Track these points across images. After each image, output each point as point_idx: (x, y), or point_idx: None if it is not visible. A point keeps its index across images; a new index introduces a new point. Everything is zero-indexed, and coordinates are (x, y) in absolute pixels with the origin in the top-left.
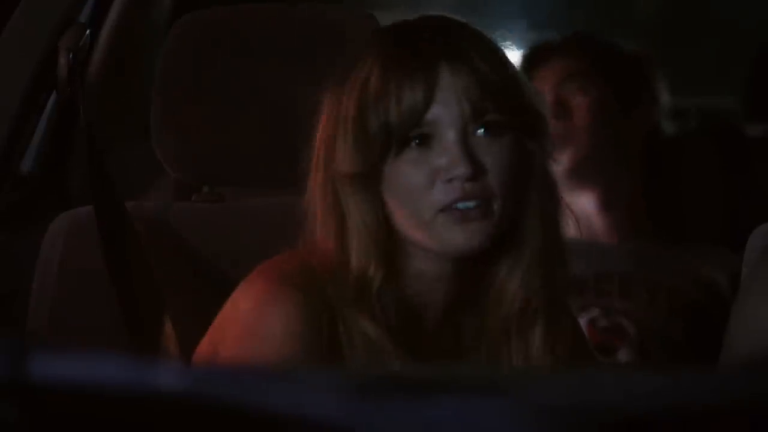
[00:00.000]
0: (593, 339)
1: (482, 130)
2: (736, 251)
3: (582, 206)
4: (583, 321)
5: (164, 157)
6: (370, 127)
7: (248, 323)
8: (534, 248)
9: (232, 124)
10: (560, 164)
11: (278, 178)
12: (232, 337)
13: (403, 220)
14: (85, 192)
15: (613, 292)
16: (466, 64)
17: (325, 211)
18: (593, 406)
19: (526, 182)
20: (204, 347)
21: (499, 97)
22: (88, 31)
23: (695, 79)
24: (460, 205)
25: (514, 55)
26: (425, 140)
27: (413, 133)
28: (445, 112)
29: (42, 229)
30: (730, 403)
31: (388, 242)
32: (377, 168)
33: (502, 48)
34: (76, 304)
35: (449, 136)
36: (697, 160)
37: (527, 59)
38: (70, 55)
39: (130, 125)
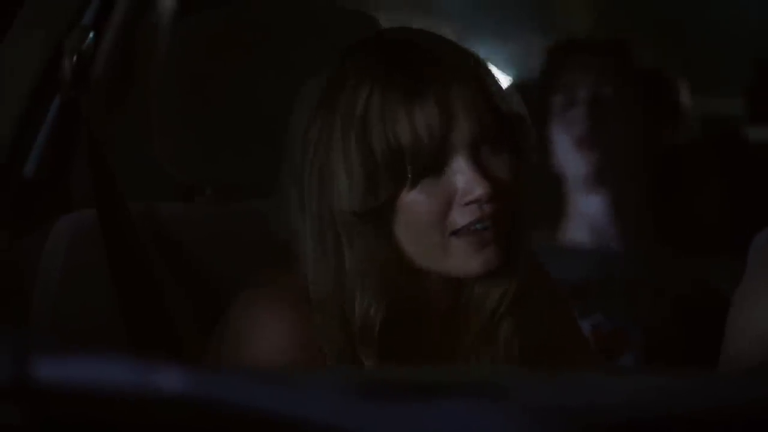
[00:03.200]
0: (599, 343)
1: (487, 147)
2: (739, 257)
3: (594, 211)
4: (587, 325)
5: (165, 159)
6: (379, 155)
7: (239, 341)
8: (518, 257)
9: (234, 126)
10: (581, 167)
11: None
12: (224, 356)
13: (416, 251)
14: (88, 194)
15: (619, 297)
16: (472, 82)
17: (320, 253)
18: (592, 410)
19: (518, 196)
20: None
21: (501, 113)
22: (91, 34)
23: (694, 81)
24: (479, 226)
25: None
26: (438, 164)
27: (426, 159)
28: (457, 132)
29: (45, 230)
30: (728, 408)
31: (399, 279)
32: (389, 202)
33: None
34: (79, 306)
35: (463, 156)
36: (699, 166)
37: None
38: (74, 58)
39: (133, 127)
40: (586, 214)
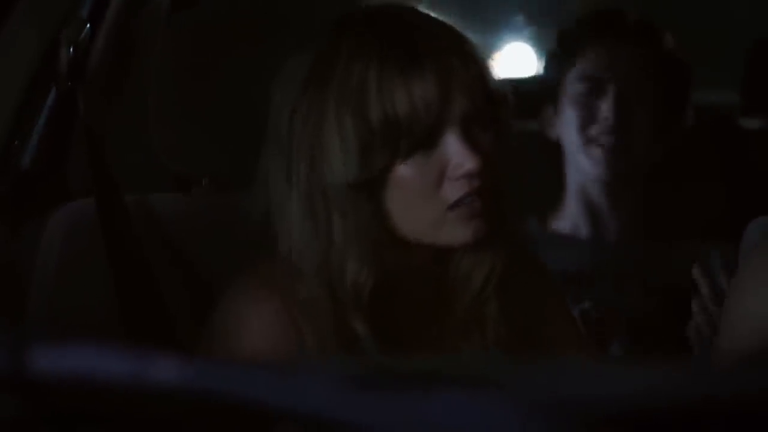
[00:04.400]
0: (587, 331)
1: (477, 125)
2: (732, 245)
3: (592, 201)
4: (576, 313)
5: (162, 150)
6: (374, 126)
7: (226, 329)
8: (501, 234)
9: (230, 117)
10: (595, 165)
11: None
12: (214, 344)
13: (407, 223)
14: (85, 185)
15: (609, 287)
16: (468, 60)
17: (309, 224)
18: (590, 401)
19: (500, 172)
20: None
21: (489, 90)
22: (88, 26)
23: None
24: (468, 200)
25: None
26: (431, 138)
27: (422, 132)
28: (452, 107)
29: (42, 221)
30: (723, 399)
31: (388, 249)
32: (381, 173)
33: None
34: (76, 298)
35: (455, 131)
36: (693, 155)
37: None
38: (71, 50)
39: (130, 119)
40: (584, 203)
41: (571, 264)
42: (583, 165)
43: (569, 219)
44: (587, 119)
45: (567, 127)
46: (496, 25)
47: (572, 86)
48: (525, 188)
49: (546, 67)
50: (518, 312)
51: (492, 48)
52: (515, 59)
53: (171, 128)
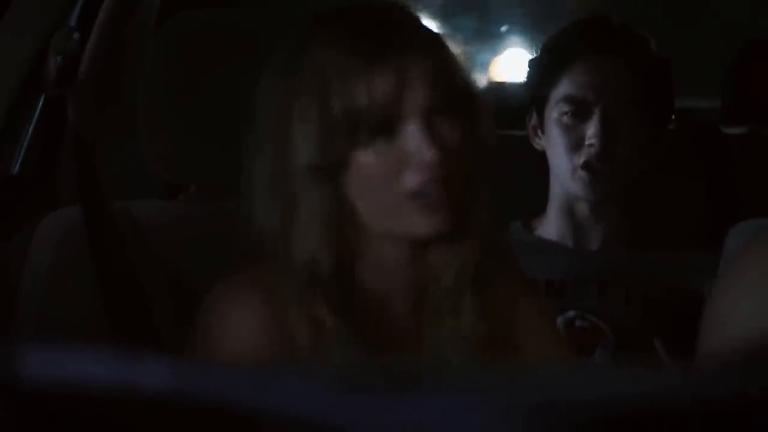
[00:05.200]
0: (571, 339)
1: (439, 117)
2: (714, 251)
3: (576, 211)
4: (561, 321)
5: (151, 157)
6: (335, 114)
7: (209, 330)
8: (475, 232)
9: (219, 124)
10: (581, 186)
11: None
12: (199, 345)
13: (367, 209)
14: (74, 192)
15: (593, 295)
16: (431, 52)
17: (271, 200)
18: (573, 406)
19: (472, 167)
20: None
21: (456, 86)
22: (77, 33)
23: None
24: (427, 189)
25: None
26: (391, 127)
27: (381, 122)
28: (412, 99)
29: (31, 228)
30: (705, 402)
31: (347, 232)
32: (342, 159)
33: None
34: (65, 304)
35: (415, 122)
36: (676, 162)
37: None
38: (59, 58)
39: (118, 126)
40: (567, 215)
41: (555, 271)
42: (568, 186)
43: (553, 226)
44: (573, 145)
45: (553, 148)
46: (496, 31)
47: (557, 107)
48: (510, 192)
49: (529, 77)
50: (492, 311)
51: (491, 53)
52: (513, 65)
53: (159, 135)
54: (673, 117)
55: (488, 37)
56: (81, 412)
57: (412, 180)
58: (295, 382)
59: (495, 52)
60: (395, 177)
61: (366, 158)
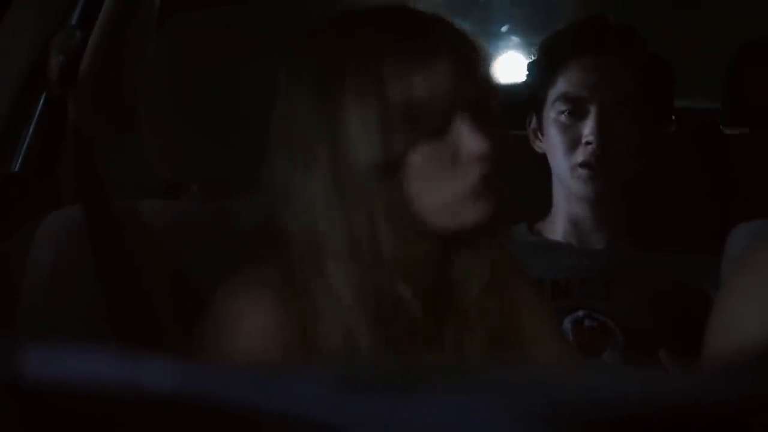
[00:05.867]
0: (580, 339)
1: (482, 113)
2: (717, 252)
3: (579, 210)
4: (569, 322)
5: (152, 157)
6: (395, 110)
7: (219, 328)
8: (499, 229)
9: (220, 123)
10: (580, 185)
11: None
12: (207, 343)
13: (425, 204)
14: (75, 191)
15: (600, 295)
16: (473, 48)
17: (335, 206)
18: (582, 405)
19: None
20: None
21: (492, 80)
22: (78, 32)
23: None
24: (483, 184)
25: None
26: (446, 122)
27: (439, 114)
28: (464, 93)
29: (33, 228)
30: (711, 403)
31: (406, 230)
32: (402, 155)
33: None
34: (67, 303)
35: (468, 117)
36: (677, 162)
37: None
38: (61, 57)
39: (119, 125)
40: (570, 216)
41: (560, 271)
42: (568, 184)
43: (557, 227)
44: (571, 144)
45: (552, 148)
46: (496, 34)
47: (554, 107)
48: (516, 194)
49: (527, 78)
50: (505, 311)
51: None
52: (511, 68)
53: (160, 134)
54: (674, 118)
55: (488, 41)
56: (83, 412)
57: (466, 177)
58: (299, 382)
59: (495, 55)
60: (451, 172)
61: (422, 155)
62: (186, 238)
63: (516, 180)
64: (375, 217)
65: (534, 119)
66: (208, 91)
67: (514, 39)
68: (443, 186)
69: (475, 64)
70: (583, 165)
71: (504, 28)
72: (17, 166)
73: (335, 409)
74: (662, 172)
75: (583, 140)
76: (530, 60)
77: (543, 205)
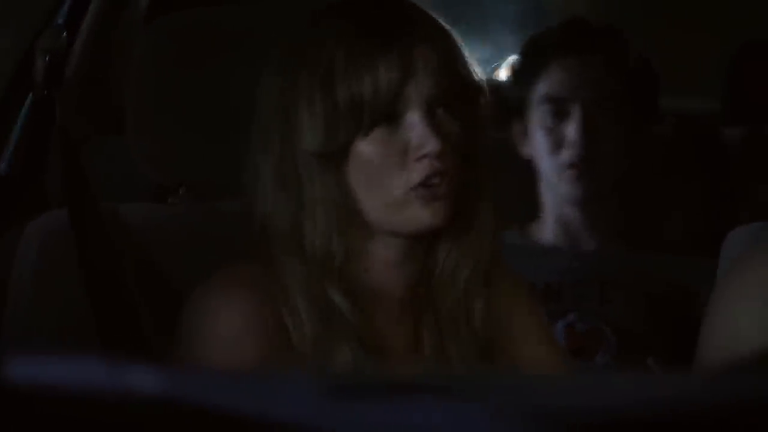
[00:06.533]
0: (572, 343)
1: (442, 109)
2: (713, 255)
3: (569, 212)
4: (561, 325)
5: (139, 158)
6: (341, 103)
7: (195, 328)
8: (483, 230)
9: (208, 125)
10: (567, 186)
11: None
12: (187, 345)
13: (369, 200)
14: (61, 194)
15: (592, 297)
16: (437, 44)
17: (280, 188)
18: (566, 411)
19: (475, 162)
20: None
21: (461, 80)
22: (65, 33)
23: (669, 80)
24: (430, 182)
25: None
26: (394, 118)
27: (384, 111)
28: (416, 90)
29: (19, 231)
30: (704, 408)
31: (351, 222)
32: (346, 147)
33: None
34: (52, 308)
35: (418, 113)
36: (674, 164)
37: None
38: (47, 57)
39: (106, 126)
40: (560, 218)
41: (552, 274)
42: (555, 186)
43: (548, 230)
44: (555, 144)
45: (537, 150)
46: (501, 38)
47: (538, 108)
48: (506, 197)
49: (511, 80)
50: (493, 315)
51: (494, 60)
52: (498, 70)
53: (147, 135)
54: (662, 116)
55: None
56: (68, 420)
57: (415, 171)
58: (286, 388)
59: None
60: (397, 168)
61: (368, 147)
62: (174, 240)
63: (505, 183)
64: (309, 206)
65: (519, 123)
66: (196, 92)
67: (503, 40)
68: (387, 182)
69: (437, 59)
70: (569, 166)
71: (518, 31)
72: (3, 168)
73: (321, 414)
74: (660, 175)
75: (568, 140)
76: (513, 62)
77: (534, 210)
